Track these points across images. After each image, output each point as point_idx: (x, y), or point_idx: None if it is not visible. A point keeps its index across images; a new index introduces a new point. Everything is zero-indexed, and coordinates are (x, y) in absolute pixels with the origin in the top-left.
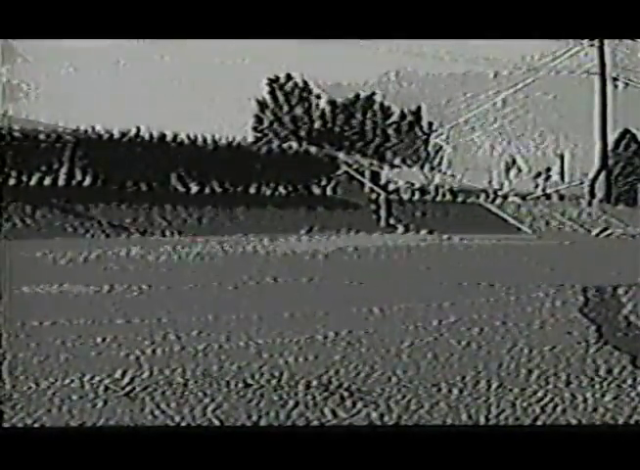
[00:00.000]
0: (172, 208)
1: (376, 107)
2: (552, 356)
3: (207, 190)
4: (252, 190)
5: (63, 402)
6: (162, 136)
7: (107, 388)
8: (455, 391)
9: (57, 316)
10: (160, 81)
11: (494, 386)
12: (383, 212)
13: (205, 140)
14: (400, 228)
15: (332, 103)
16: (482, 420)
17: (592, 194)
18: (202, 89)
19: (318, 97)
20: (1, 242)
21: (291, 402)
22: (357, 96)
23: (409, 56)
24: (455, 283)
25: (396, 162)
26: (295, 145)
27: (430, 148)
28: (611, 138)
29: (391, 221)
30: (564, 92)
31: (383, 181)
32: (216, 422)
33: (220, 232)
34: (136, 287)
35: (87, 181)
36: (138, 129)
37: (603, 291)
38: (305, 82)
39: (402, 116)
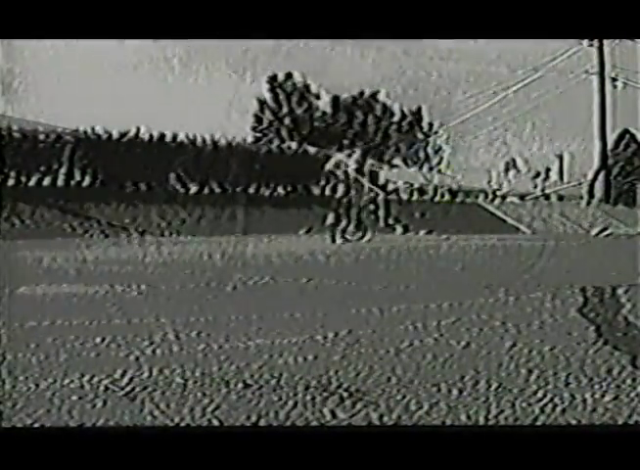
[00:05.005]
0: (171, 208)
1: (376, 107)
2: (551, 357)
3: (207, 190)
4: (252, 190)
5: (63, 402)
6: (162, 136)
7: (107, 388)
8: (455, 391)
9: (57, 316)
10: (161, 81)
11: (494, 386)
12: (381, 213)
13: (204, 140)
14: (399, 228)
15: (332, 103)
16: (482, 420)
17: (591, 194)
18: (202, 89)
19: (318, 97)
20: (1, 242)
21: (290, 403)
22: (357, 96)
23: (410, 56)
24: (454, 283)
25: (396, 162)
26: (294, 145)
27: (429, 148)
28: (610, 138)
29: (390, 221)
30: (563, 92)
31: (381, 181)
32: (216, 422)
33: (220, 232)
34: (136, 287)
35: (86, 181)
36: (138, 130)
37: (602, 291)
38: (306, 82)
39: (403, 116)
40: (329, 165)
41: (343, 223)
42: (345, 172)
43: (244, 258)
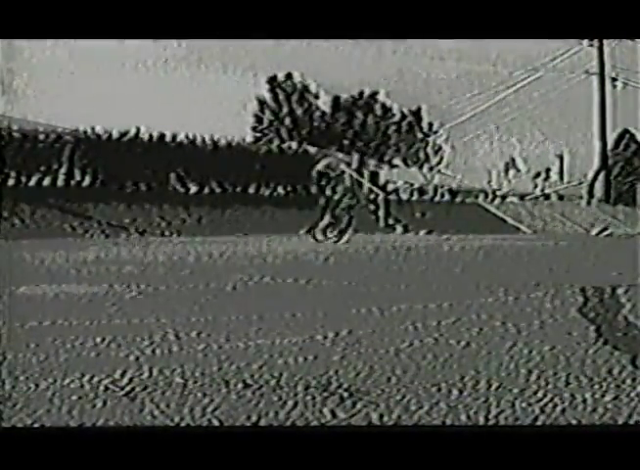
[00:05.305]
0: (171, 208)
1: (376, 107)
2: (551, 356)
3: (207, 190)
4: (252, 190)
5: (63, 402)
6: (162, 136)
7: (107, 388)
8: (455, 391)
9: (57, 316)
10: (161, 81)
11: (494, 386)
12: (381, 213)
13: (204, 140)
14: (399, 228)
15: (332, 103)
16: (482, 420)
17: (591, 194)
18: (202, 89)
19: (317, 96)
20: (1, 242)
21: (290, 403)
22: (358, 96)
23: (410, 56)
24: (454, 283)
25: (396, 162)
26: (294, 145)
27: (429, 148)
28: (610, 138)
29: (390, 221)
30: (563, 92)
31: (382, 181)
32: (216, 422)
33: (220, 232)
34: (136, 287)
35: (86, 181)
36: (138, 130)
37: (602, 291)
38: (305, 82)
39: (402, 116)
40: (319, 166)
41: (324, 223)
42: (340, 173)
43: (244, 258)
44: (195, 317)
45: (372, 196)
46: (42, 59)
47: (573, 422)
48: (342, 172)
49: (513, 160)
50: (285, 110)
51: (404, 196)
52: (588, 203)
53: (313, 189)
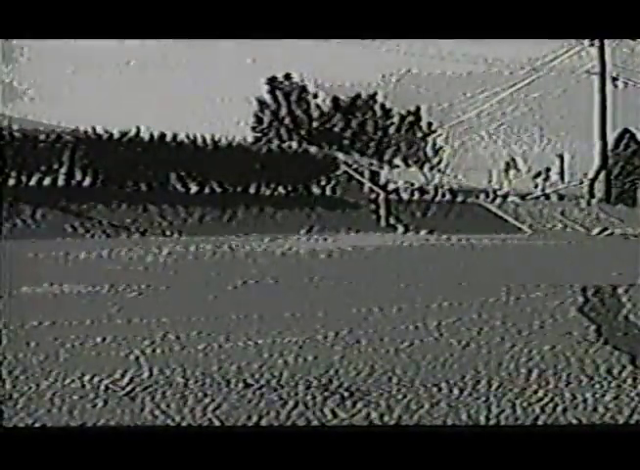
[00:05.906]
0: (172, 208)
1: (376, 107)
2: (552, 356)
3: (207, 190)
4: (252, 190)
5: (63, 402)
6: (162, 136)
7: (107, 388)
8: (455, 391)
9: (57, 316)
10: (161, 81)
11: (494, 386)
12: (382, 212)
13: (204, 140)
14: (400, 228)
15: (332, 103)
16: (482, 420)
17: (592, 194)
18: (202, 89)
19: (315, 96)
20: (1, 242)
21: (291, 402)
22: (357, 96)
23: (410, 56)
24: (455, 283)
25: (396, 161)
26: (294, 145)
27: (429, 148)
28: (610, 138)
29: (391, 221)
30: (564, 92)
31: (382, 181)
32: (216, 422)
33: (220, 232)
34: (136, 287)
35: (87, 181)
36: (138, 129)
37: (602, 291)
38: (304, 82)
39: (402, 116)
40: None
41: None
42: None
43: (244, 258)
44: (195, 317)
45: (373, 196)
46: (42, 59)
47: (574, 422)
48: (343, 172)
49: (513, 160)
50: (284, 110)
51: (405, 195)
52: (588, 202)
53: (314, 189)
